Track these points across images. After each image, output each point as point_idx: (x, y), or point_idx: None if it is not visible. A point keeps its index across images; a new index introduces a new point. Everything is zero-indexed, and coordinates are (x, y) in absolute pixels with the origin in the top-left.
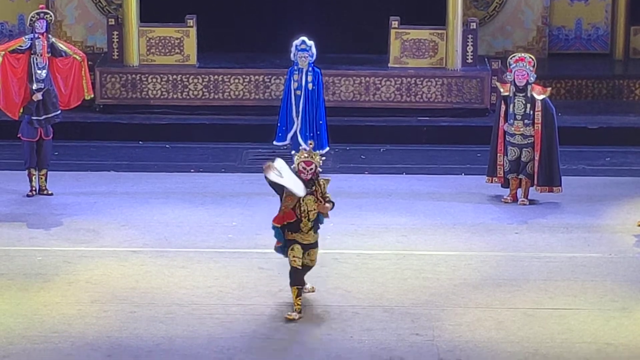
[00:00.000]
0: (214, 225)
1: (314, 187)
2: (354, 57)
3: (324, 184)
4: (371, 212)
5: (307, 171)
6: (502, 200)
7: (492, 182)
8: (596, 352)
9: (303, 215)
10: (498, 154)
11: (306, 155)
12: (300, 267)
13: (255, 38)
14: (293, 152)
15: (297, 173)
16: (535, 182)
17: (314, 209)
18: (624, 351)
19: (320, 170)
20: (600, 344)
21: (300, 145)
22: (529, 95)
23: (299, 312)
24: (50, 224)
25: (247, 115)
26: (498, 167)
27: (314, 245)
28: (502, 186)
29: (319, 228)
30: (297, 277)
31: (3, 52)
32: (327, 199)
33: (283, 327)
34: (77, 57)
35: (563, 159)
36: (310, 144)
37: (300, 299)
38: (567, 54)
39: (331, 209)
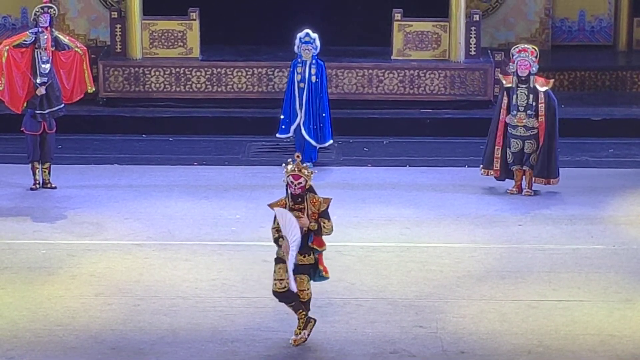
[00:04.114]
0: (217, 218)
1: (303, 204)
2: (357, 49)
3: (320, 203)
4: (374, 204)
5: (296, 186)
6: (508, 191)
7: (487, 174)
8: (600, 344)
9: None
10: (496, 147)
11: (293, 168)
12: (280, 291)
13: (258, 31)
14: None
15: (287, 187)
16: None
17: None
18: (627, 343)
19: (311, 184)
20: (604, 336)
21: (303, 137)
22: (531, 86)
23: (303, 329)
24: (53, 217)
25: (251, 108)
26: (495, 159)
27: (300, 269)
28: (496, 179)
29: (311, 253)
30: (281, 299)
31: (7, 47)
32: (322, 222)
33: (286, 320)
34: (79, 50)
35: (566, 151)
36: (298, 156)
37: (302, 312)
38: (570, 45)
39: (315, 228)
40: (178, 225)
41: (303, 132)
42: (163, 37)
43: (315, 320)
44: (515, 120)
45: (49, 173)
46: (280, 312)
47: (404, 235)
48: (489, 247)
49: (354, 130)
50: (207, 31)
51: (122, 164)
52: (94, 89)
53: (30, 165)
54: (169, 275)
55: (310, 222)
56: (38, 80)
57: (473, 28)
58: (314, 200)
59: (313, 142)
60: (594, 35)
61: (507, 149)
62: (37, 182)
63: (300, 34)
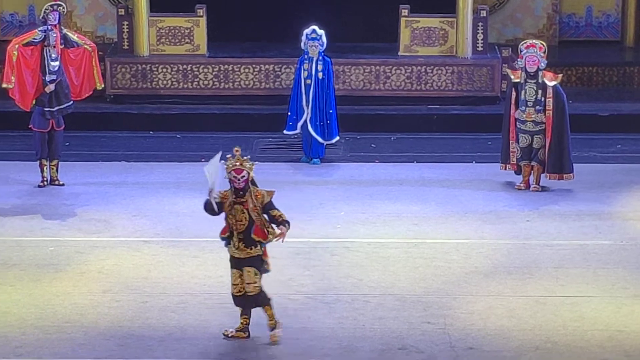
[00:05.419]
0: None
1: (244, 197)
2: (364, 45)
3: (263, 196)
4: (382, 200)
5: (239, 180)
6: (516, 187)
7: (505, 169)
8: (608, 340)
9: (233, 227)
10: (510, 141)
11: (234, 162)
12: (236, 295)
13: (265, 27)
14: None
15: (230, 182)
16: (546, 169)
17: (243, 220)
18: (635, 338)
19: (253, 176)
20: (612, 331)
21: (310, 134)
22: (540, 81)
23: (243, 331)
24: (61, 214)
25: (258, 105)
26: (511, 154)
27: (247, 262)
28: (515, 173)
29: (257, 244)
30: (238, 303)
31: (17, 46)
32: (280, 218)
33: (294, 317)
34: (88, 47)
35: (574, 147)
36: (237, 150)
37: (246, 318)
38: (577, 41)
39: (282, 232)
40: (186, 222)
41: (310, 128)
42: (170, 33)
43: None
44: (524, 116)
45: (57, 170)
46: (288, 309)
47: (412, 232)
48: (496, 243)
49: (361, 126)
50: (214, 28)
51: (130, 161)
52: (103, 86)
53: (38, 163)
54: (177, 272)
55: (282, 232)
56: (47, 78)
57: (480, 24)
58: (257, 194)
59: (320, 139)
60: (601, 31)
61: (516, 144)
62: (45, 179)
63: (307, 31)
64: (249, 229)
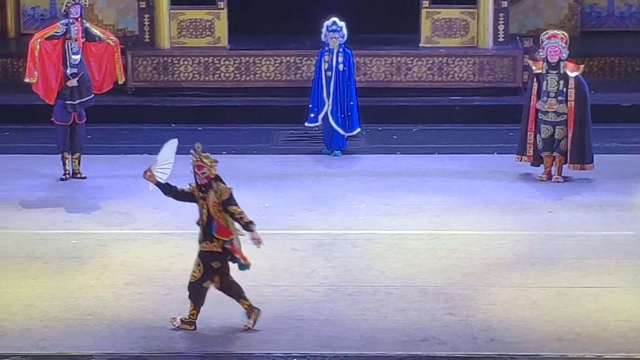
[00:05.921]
0: (246, 207)
1: (207, 193)
2: (385, 37)
3: (222, 192)
4: (404, 192)
5: (201, 176)
6: (537, 178)
7: (521, 160)
8: (631, 330)
9: (200, 220)
10: (528, 133)
11: (195, 159)
12: (193, 281)
13: (286, 19)
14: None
15: (194, 177)
16: (568, 159)
17: (203, 216)
18: None
19: (215, 172)
20: (635, 322)
21: (331, 126)
22: (561, 72)
23: (190, 324)
24: (84, 207)
25: (279, 97)
26: (528, 145)
27: (216, 256)
28: (531, 164)
29: (217, 240)
30: (191, 291)
31: (39, 40)
32: (240, 216)
33: (316, 308)
34: (110, 41)
35: (596, 137)
36: (197, 146)
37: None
38: (599, 31)
39: (257, 239)
40: None
41: (331, 120)
42: (191, 26)
43: (258, 311)
44: (546, 106)
45: (79, 163)
46: (310, 301)
47: (434, 223)
48: (519, 234)
49: (382, 118)
50: (235, 20)
51: (152, 154)
52: (124, 80)
53: (60, 156)
54: None
55: (256, 238)
56: (68, 71)
57: (501, 14)
58: (217, 190)
59: (341, 131)
60: (623, 21)
61: (537, 135)
62: (67, 172)
63: (327, 22)
64: (209, 225)
